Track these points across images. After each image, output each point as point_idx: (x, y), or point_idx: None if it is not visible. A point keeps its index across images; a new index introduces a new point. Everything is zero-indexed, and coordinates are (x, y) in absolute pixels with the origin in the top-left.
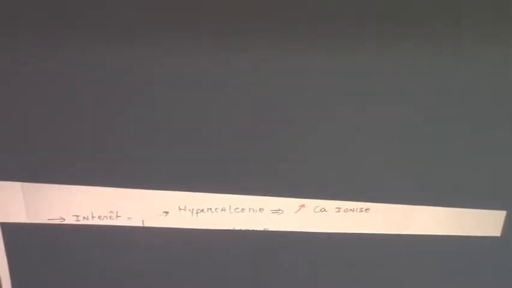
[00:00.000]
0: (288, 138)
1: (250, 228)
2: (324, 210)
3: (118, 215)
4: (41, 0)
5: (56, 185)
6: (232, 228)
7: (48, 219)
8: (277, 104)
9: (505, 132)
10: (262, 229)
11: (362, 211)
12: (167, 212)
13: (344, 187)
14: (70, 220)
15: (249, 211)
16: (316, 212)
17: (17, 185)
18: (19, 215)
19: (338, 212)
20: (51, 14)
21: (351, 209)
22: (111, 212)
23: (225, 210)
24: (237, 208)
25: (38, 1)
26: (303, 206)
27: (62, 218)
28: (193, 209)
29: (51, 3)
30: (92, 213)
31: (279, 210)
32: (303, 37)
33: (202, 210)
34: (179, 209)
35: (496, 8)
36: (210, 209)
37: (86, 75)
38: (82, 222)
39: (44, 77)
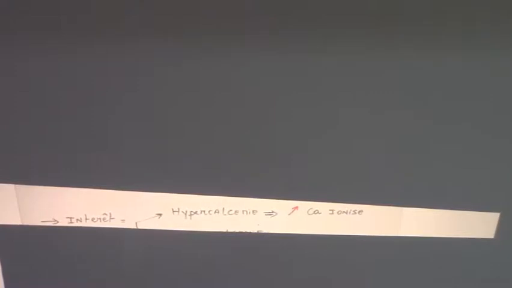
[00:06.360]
0: (281, 141)
1: (244, 230)
2: (318, 212)
3: (112, 217)
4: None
5: (49, 187)
6: (225, 230)
7: (42, 221)
8: (271, 107)
9: (500, 134)
10: (255, 231)
11: (355, 213)
12: (160, 214)
13: (337, 189)
14: (63, 222)
15: (243, 213)
16: (310, 214)
17: (10, 187)
18: (12, 217)
19: (332, 214)
20: (48, 14)
21: (344, 211)
22: (104, 214)
23: (218, 212)
24: (231, 210)
25: (39, 2)
26: (296, 208)
27: (55, 220)
28: (186, 211)
29: (50, 4)
30: (85, 215)
31: (273, 212)
32: (302, 38)
33: (195, 212)
34: (173, 211)
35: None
36: (204, 211)
37: (81, 78)
38: (75, 224)
39: (38, 80)
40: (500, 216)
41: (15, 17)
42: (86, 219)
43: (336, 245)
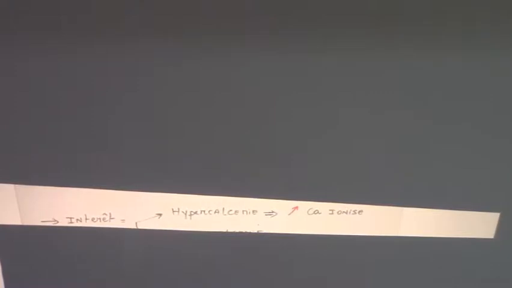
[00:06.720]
0: (281, 141)
1: (244, 230)
2: (318, 212)
3: (112, 217)
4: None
5: (49, 187)
6: (225, 230)
7: (42, 221)
8: (271, 107)
9: (500, 134)
10: (255, 231)
11: (355, 213)
12: (160, 214)
13: (337, 189)
14: (63, 222)
15: (243, 213)
16: (310, 214)
17: (10, 187)
18: (12, 217)
19: (332, 214)
20: (48, 14)
21: (344, 211)
22: (104, 214)
23: (218, 212)
24: (231, 210)
25: (39, 2)
26: (296, 208)
27: (55, 220)
28: (186, 211)
29: (50, 4)
30: (85, 215)
31: (273, 212)
32: (302, 38)
33: (195, 212)
34: (173, 211)
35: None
36: (204, 211)
37: (81, 78)
38: (75, 224)
39: (38, 80)
40: (500, 216)
41: (15, 17)
42: (86, 219)
43: (336, 245)
